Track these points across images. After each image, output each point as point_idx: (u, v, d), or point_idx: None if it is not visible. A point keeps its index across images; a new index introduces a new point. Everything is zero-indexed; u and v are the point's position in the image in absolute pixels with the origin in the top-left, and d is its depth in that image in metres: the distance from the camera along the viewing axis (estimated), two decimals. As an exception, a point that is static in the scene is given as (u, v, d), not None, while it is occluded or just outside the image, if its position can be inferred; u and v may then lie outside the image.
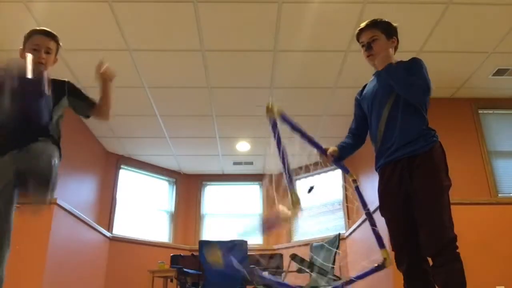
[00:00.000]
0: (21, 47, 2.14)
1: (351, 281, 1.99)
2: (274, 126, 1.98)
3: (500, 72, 4.30)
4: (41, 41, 2.13)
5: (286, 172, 1.68)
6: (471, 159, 4.49)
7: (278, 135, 1.91)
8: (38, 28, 2.21)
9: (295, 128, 2.13)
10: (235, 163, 6.68)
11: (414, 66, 2.11)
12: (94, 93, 5.22)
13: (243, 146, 6.07)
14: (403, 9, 3.41)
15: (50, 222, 3.66)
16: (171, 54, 3.98)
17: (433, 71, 4.22)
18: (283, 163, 1.70)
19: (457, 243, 1.89)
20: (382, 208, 2.14)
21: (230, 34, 3.73)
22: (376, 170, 2.20)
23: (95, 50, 3.89)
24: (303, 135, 2.16)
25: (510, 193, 4.42)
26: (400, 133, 2.06)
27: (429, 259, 1.95)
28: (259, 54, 3.97)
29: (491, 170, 4.45)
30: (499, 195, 4.33)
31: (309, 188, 2.11)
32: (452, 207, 3.95)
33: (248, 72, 4.26)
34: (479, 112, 4.74)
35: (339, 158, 2.29)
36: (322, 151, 2.24)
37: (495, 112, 4.80)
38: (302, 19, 3.52)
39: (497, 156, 4.56)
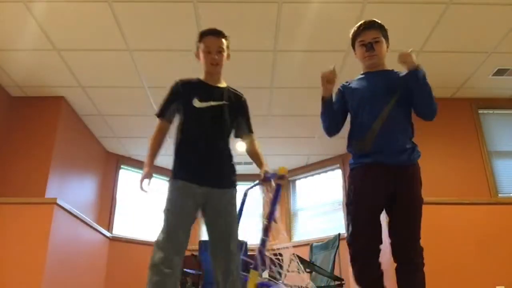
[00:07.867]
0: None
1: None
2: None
3: (500, 72, 4.30)
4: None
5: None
6: (471, 159, 4.49)
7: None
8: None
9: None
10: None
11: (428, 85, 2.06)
12: (97, 93, 5.20)
13: (243, 146, 6.05)
14: (403, 9, 3.41)
15: (50, 222, 3.65)
16: (171, 54, 3.97)
17: (433, 71, 4.29)
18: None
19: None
20: (360, 204, 2.09)
21: (230, 34, 3.71)
22: (353, 166, 2.15)
23: (95, 50, 3.89)
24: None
25: (510, 193, 4.42)
26: (397, 138, 2.03)
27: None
28: (259, 54, 3.97)
29: (491, 170, 4.45)
30: (499, 195, 4.34)
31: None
32: (452, 207, 3.96)
33: (248, 72, 4.26)
34: (479, 112, 4.75)
35: None
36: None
37: (495, 112, 4.80)
38: (302, 19, 3.52)
39: (497, 156, 4.56)
